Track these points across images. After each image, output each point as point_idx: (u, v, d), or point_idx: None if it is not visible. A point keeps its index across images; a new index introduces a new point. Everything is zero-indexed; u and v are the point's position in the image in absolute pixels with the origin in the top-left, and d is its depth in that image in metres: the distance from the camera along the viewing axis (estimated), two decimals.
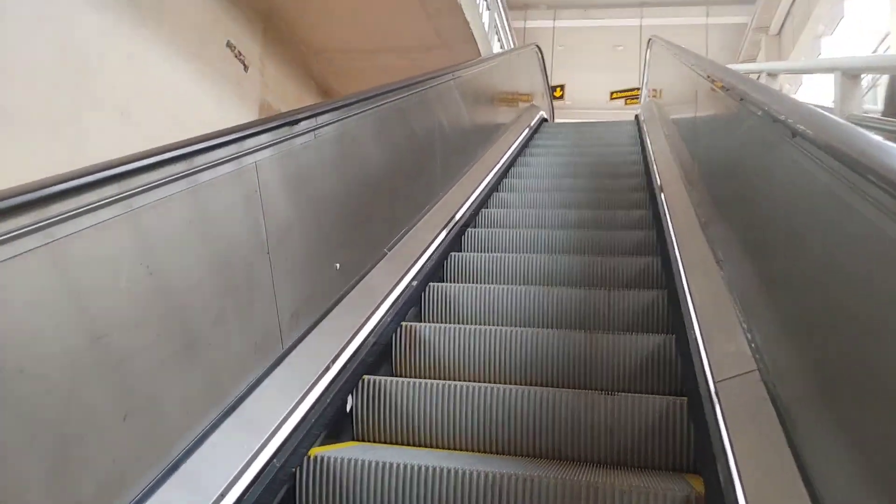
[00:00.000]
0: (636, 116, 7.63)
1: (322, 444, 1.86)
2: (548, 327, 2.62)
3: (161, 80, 4.47)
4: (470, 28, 6.05)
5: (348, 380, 2.07)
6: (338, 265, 2.26)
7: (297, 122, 1.98)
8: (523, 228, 3.79)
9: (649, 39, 7.81)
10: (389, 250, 2.74)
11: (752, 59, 15.34)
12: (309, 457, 1.72)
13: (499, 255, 3.33)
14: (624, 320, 2.66)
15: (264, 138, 1.84)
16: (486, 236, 3.59)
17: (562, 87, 14.73)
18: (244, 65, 5.43)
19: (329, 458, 1.70)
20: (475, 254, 3.43)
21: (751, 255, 1.91)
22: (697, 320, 2.14)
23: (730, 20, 15.01)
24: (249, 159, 1.78)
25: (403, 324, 2.51)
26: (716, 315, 2.04)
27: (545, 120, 8.01)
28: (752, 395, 1.53)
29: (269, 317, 1.82)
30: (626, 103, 15.02)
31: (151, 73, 4.37)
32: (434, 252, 3.11)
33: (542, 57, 8.53)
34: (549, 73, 16.78)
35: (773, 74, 5.34)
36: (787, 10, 13.23)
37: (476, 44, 6.24)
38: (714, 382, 1.75)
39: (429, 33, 6.17)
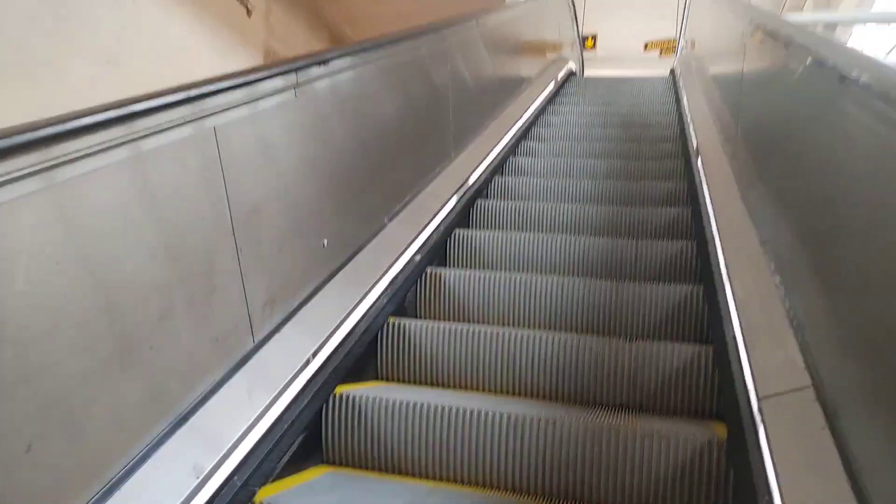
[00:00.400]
0: (672, 71, 7.13)
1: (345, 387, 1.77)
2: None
3: (152, 24, 4.15)
4: None
5: (328, 381, 1.82)
6: (325, 241, 1.99)
7: (269, 77, 1.69)
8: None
9: None
10: (391, 220, 2.46)
11: (799, 9, 14.43)
12: (334, 395, 1.73)
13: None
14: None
15: (227, 98, 1.55)
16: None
17: (593, 37, 14.06)
18: (247, 8, 5.06)
19: (353, 396, 1.72)
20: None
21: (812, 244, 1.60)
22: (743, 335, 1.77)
23: None
24: (208, 123, 1.49)
25: (428, 269, 2.49)
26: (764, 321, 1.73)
27: (573, 73, 7.54)
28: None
29: (236, 307, 1.56)
30: (660, 55, 14.30)
31: (142, 17, 4.04)
32: (441, 224, 2.83)
33: (574, 3, 8.00)
34: (579, 22, 16.06)
35: (830, 26, 4.86)
36: None
37: None
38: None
39: None
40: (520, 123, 4.49)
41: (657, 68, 17.01)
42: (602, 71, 19.12)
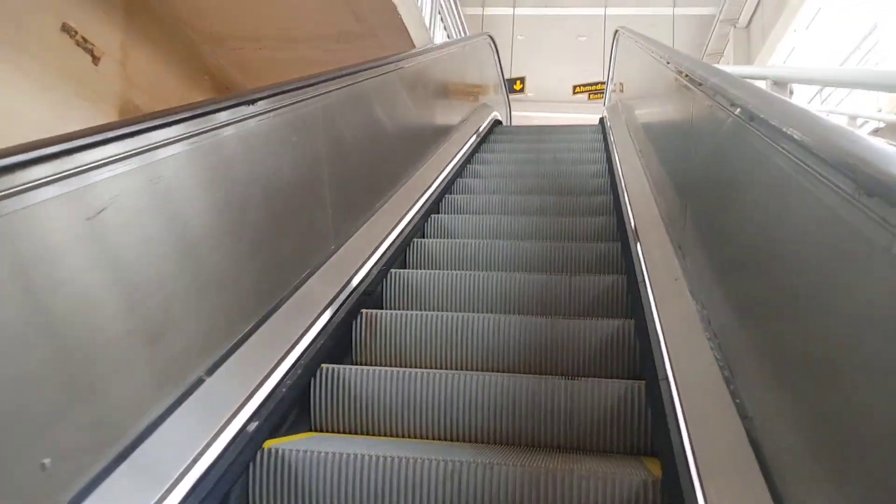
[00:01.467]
0: (601, 121, 6.65)
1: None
2: None
3: None
4: (399, 14, 4.99)
5: None
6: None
7: None
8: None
9: (616, 32, 6.84)
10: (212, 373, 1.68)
11: (719, 54, 14.61)
12: (263, 449, 1.65)
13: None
14: None
15: None
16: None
17: (522, 79, 13.75)
18: (92, 54, 4.20)
19: (283, 450, 1.65)
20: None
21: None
22: None
23: (697, 11, 14.18)
24: None
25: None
26: None
27: (499, 122, 6.99)
28: None
29: None
30: (589, 98, 14.10)
31: None
32: (301, 358, 2.05)
33: (496, 48, 7.50)
34: (509, 65, 15.82)
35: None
36: (758, 0, 12.45)
37: (408, 33, 5.18)
38: None
39: (347, 19, 5.08)
40: (429, 193, 3.80)
41: (586, 112, 16.98)
42: (532, 113, 19.04)
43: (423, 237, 3.46)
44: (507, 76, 14.87)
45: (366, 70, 3.05)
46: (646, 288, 2.33)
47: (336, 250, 2.55)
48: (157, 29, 4.91)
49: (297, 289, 2.18)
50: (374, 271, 2.74)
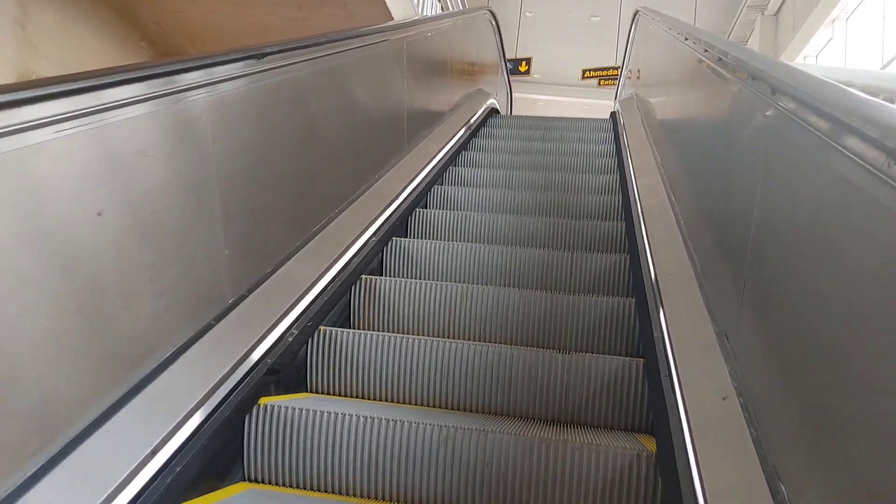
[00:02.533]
0: (613, 116, 5.79)
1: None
2: None
3: None
4: None
5: None
6: None
7: None
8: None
9: (636, 13, 5.95)
10: None
11: (743, 41, 13.64)
12: (259, 405, 1.62)
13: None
14: None
15: None
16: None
17: (528, 60, 12.81)
18: None
19: (280, 407, 1.62)
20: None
21: None
22: None
23: None
24: None
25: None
26: None
27: (495, 112, 6.12)
28: None
29: None
30: (599, 84, 13.17)
31: None
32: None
33: (498, 26, 6.60)
34: (514, 44, 14.85)
35: None
36: None
37: (384, 2, 4.30)
38: None
39: None
40: (396, 205, 2.99)
41: (593, 97, 16.02)
42: (537, 96, 18.05)
43: (406, 235, 2.65)
44: (513, 56, 13.95)
45: (302, 48, 2.21)
46: (677, 412, 1.52)
47: (231, 306, 1.76)
48: None
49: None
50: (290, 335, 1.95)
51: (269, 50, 1.90)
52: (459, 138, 4.43)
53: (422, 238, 3.06)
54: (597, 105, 17.61)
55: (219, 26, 4.79)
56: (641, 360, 1.91)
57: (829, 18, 9.08)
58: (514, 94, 18.12)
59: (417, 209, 3.19)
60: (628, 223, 2.96)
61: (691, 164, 2.54)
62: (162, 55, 4.91)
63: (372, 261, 2.61)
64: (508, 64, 12.87)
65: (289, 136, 2.12)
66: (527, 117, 5.73)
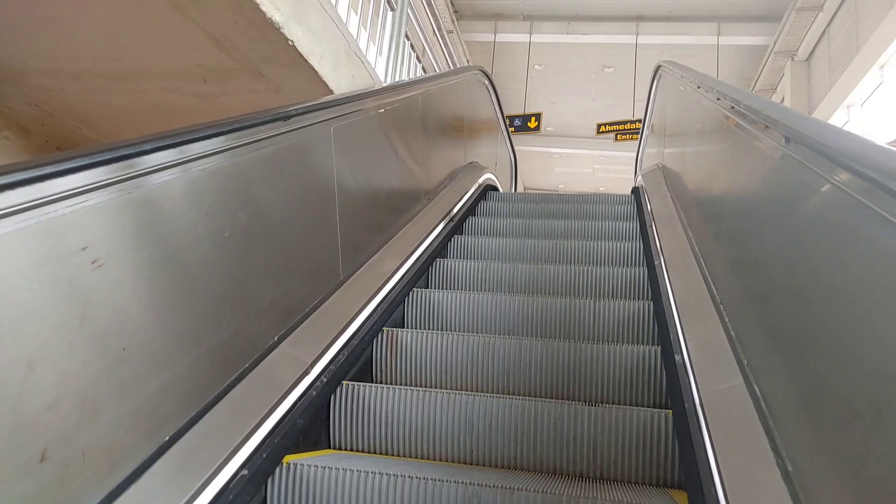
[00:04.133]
0: (637, 194, 4.69)
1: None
2: None
3: None
4: (289, 40, 3.07)
5: None
6: None
7: None
8: None
9: (657, 68, 4.91)
10: None
11: (772, 89, 12.61)
12: (282, 464, 1.63)
13: None
14: None
15: None
16: None
17: (537, 116, 11.86)
18: None
19: (303, 465, 1.64)
20: None
21: None
22: None
23: (746, 41, 12.22)
24: None
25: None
26: None
27: (491, 189, 5.06)
28: None
29: None
30: (616, 139, 12.15)
31: None
32: None
33: (493, 86, 5.59)
34: (524, 98, 13.98)
35: None
36: (823, 29, 10.46)
37: (312, 68, 3.26)
38: None
39: (203, 47, 3.20)
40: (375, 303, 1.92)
41: (610, 149, 15.01)
42: (550, 149, 17.09)
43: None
44: (521, 112, 13.05)
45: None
46: None
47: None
48: None
49: None
50: None
51: None
52: (433, 241, 3.34)
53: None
54: (614, 157, 16.66)
55: (114, 106, 3.80)
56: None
57: (878, 63, 7.99)
58: (527, 148, 17.28)
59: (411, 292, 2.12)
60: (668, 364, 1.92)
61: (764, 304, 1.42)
62: (45, 144, 3.92)
63: None
64: (516, 121, 11.97)
65: None
66: (532, 197, 4.64)
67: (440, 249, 3.37)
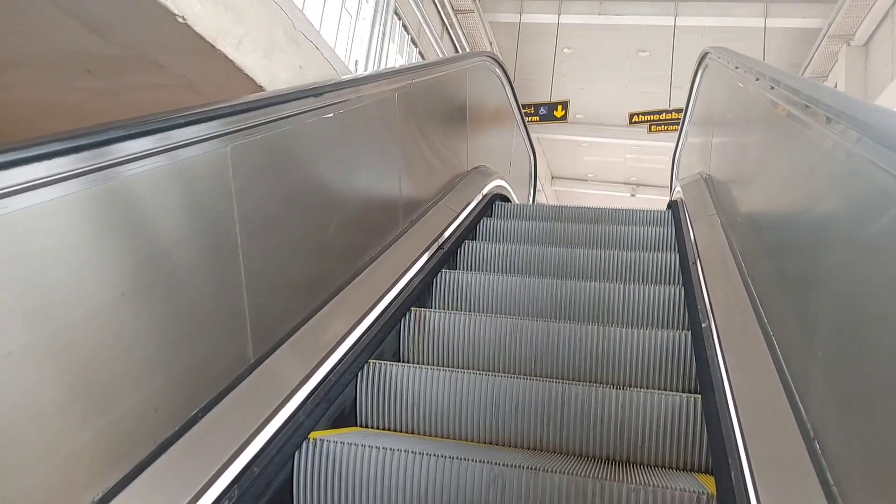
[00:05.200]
0: (673, 209, 3.87)
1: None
2: None
3: None
4: (187, 24, 2.32)
5: None
6: None
7: None
8: None
9: (703, 56, 4.06)
10: None
11: (822, 76, 11.52)
12: (309, 440, 1.64)
13: None
14: None
15: None
16: None
17: (564, 104, 10.96)
18: None
19: (329, 441, 1.64)
20: None
21: None
22: None
23: (796, 23, 11.13)
24: None
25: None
26: None
27: (500, 199, 4.27)
28: None
29: None
30: (650, 130, 11.21)
31: None
32: None
33: (507, 74, 4.78)
34: (550, 84, 13.04)
35: None
36: (886, 10, 9.38)
37: (225, 56, 2.44)
38: None
39: (72, 29, 2.47)
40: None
41: (645, 139, 14.03)
42: (579, 137, 16.18)
43: None
44: (547, 100, 12.14)
45: None
46: None
47: None
48: None
49: None
50: None
51: None
52: (407, 284, 2.58)
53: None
54: (648, 147, 15.65)
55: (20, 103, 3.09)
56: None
57: None
58: (554, 136, 16.33)
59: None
60: None
61: None
62: None
63: None
64: (541, 109, 11.10)
65: None
66: (547, 213, 3.85)
67: (419, 293, 2.62)
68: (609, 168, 19.51)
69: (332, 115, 2.07)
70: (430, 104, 3.17)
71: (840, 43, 10.49)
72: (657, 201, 19.22)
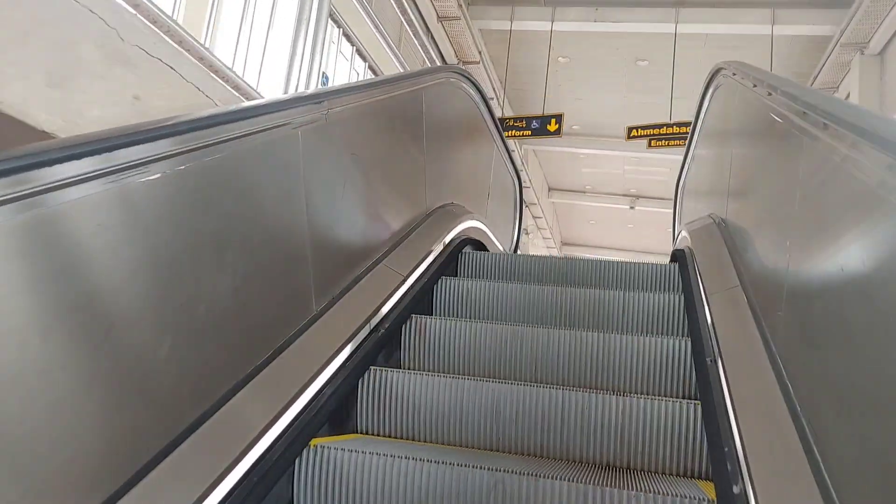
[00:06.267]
0: (678, 260, 3.12)
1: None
2: None
3: None
4: None
5: None
6: None
7: None
8: None
9: (716, 72, 3.31)
10: None
11: (832, 87, 10.80)
12: (309, 446, 1.65)
13: None
14: None
15: None
16: None
17: (558, 117, 10.21)
18: None
19: (329, 448, 1.64)
20: None
21: None
22: None
23: (805, 30, 10.42)
24: None
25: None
26: None
27: (472, 245, 3.52)
28: None
29: None
30: (650, 145, 10.45)
31: None
32: None
33: (481, 94, 4.03)
34: (543, 96, 12.30)
35: None
36: None
37: None
38: None
39: None
40: None
41: (644, 151, 13.30)
42: (576, 149, 15.44)
43: None
44: (540, 112, 11.40)
45: None
46: None
47: None
48: None
49: None
50: None
51: None
52: (312, 399, 1.83)
53: None
54: (647, 158, 14.92)
55: None
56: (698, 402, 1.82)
57: None
58: (550, 148, 15.54)
59: None
60: None
61: None
62: None
63: None
64: (534, 123, 10.36)
65: None
66: (530, 267, 3.11)
67: (334, 410, 1.87)
68: (607, 179, 18.79)
69: (157, 175, 1.33)
70: (364, 136, 2.42)
71: (853, 52, 9.76)
72: (656, 214, 18.49)
